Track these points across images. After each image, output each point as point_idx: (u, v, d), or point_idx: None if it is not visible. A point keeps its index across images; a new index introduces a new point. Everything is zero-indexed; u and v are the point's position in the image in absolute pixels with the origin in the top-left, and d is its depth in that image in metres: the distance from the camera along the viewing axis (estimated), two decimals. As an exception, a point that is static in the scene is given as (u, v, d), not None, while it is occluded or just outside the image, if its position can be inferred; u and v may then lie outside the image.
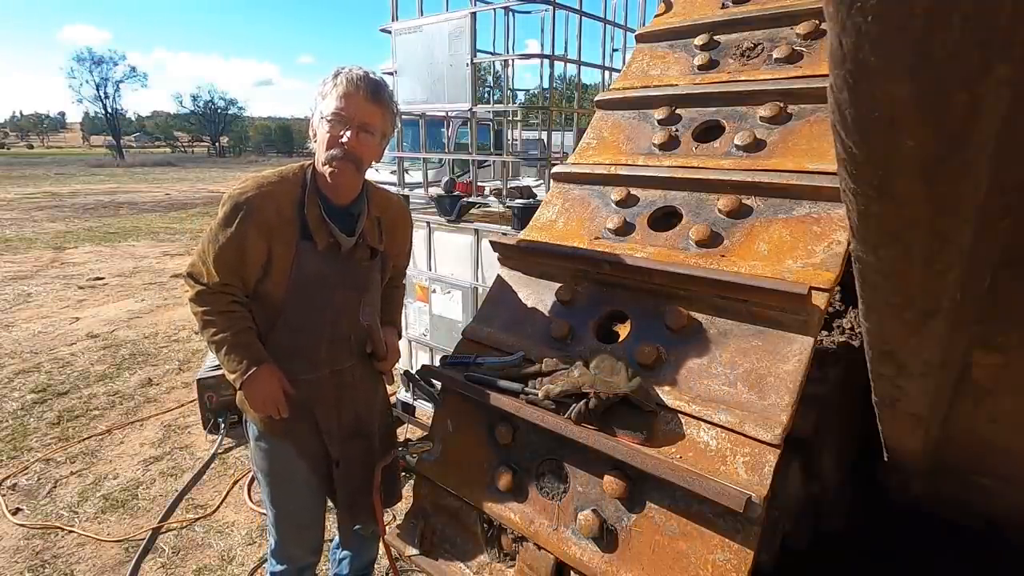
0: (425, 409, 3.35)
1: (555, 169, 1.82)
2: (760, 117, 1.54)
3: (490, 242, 1.74)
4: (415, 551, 1.55)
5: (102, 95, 58.90)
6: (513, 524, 1.35)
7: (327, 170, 1.57)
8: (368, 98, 1.55)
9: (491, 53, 3.50)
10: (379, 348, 1.79)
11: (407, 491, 1.97)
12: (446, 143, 8.07)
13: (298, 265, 1.60)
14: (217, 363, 1.74)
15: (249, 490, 3.19)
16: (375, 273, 1.77)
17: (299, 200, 1.60)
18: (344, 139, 1.54)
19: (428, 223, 3.22)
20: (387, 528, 1.75)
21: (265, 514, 2.61)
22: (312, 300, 1.64)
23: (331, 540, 2.25)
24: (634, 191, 1.63)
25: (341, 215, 1.65)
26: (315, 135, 1.61)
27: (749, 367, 1.21)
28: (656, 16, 1.98)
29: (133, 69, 61.74)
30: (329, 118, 1.55)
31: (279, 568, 1.83)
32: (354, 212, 1.67)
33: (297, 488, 1.74)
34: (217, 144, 73.98)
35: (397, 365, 3.49)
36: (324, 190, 1.62)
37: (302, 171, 1.64)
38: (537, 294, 1.62)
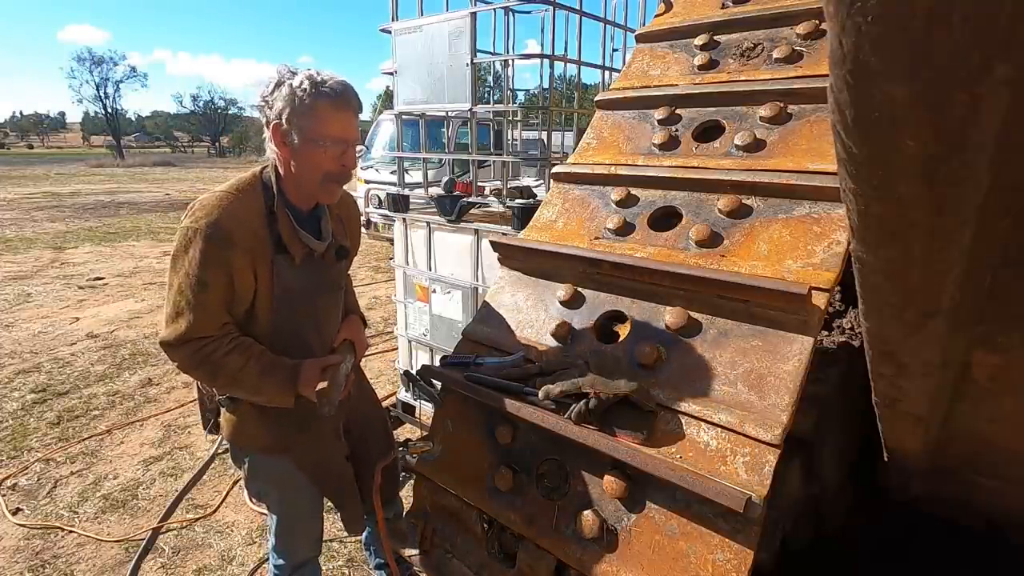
0: (425, 409, 3.35)
1: (555, 169, 1.82)
2: (760, 117, 1.54)
3: (490, 242, 1.74)
4: (414, 551, 1.55)
5: (102, 95, 58.87)
6: (513, 524, 1.35)
7: (326, 193, 1.55)
8: (356, 113, 1.52)
9: (491, 53, 3.50)
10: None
11: (407, 491, 1.98)
12: (446, 143, 8.08)
13: (278, 280, 1.54)
14: None
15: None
16: (345, 270, 1.79)
17: (263, 213, 1.52)
18: (348, 163, 1.51)
19: (428, 223, 3.22)
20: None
21: (265, 514, 2.62)
22: (296, 313, 1.59)
23: (359, 540, 2.26)
24: (634, 191, 1.63)
25: (308, 220, 1.61)
26: (284, 144, 1.48)
27: (749, 367, 1.21)
28: (656, 16, 1.98)
29: (133, 69, 61.64)
30: (328, 143, 1.47)
31: (280, 562, 1.83)
32: (318, 215, 1.64)
33: (298, 492, 1.74)
34: (217, 144, 73.98)
35: (396, 365, 3.47)
36: (292, 200, 1.56)
37: (257, 180, 1.55)
38: (537, 294, 1.62)
